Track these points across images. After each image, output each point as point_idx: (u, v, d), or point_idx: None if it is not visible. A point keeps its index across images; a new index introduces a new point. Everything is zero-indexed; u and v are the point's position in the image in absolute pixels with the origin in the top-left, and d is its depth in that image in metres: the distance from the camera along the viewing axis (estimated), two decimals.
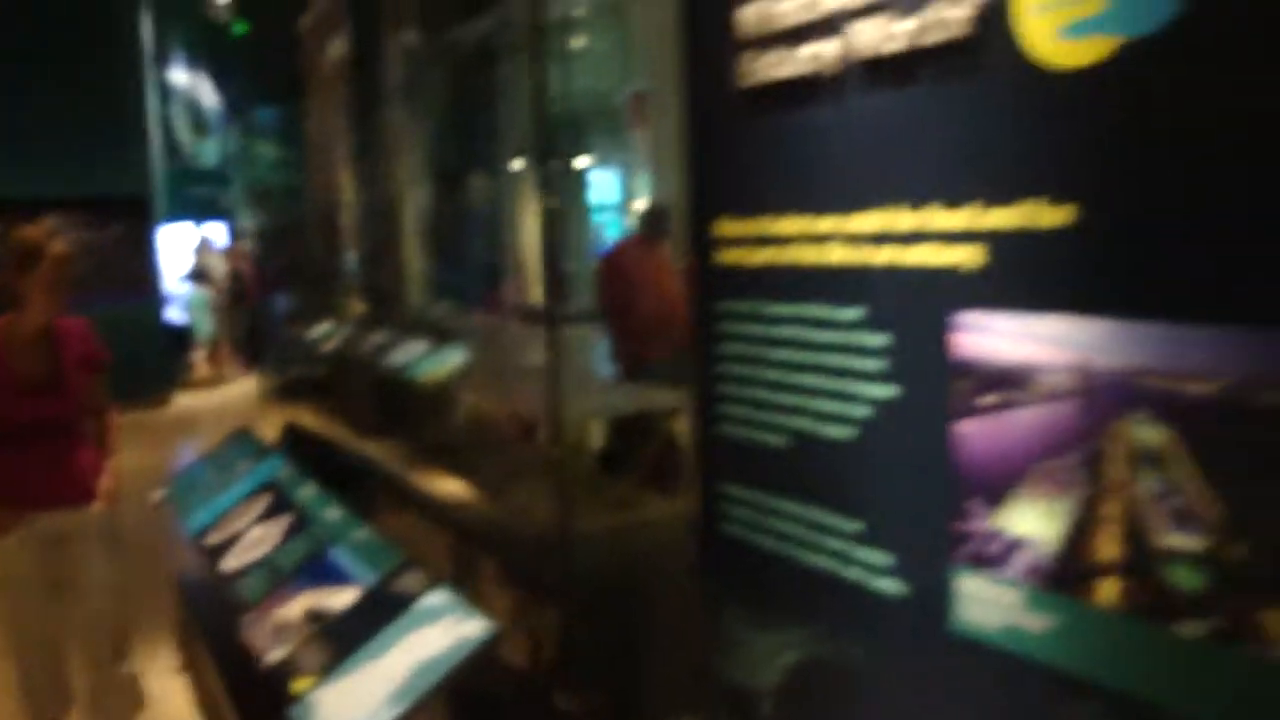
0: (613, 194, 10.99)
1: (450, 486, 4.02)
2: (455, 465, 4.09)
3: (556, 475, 2.63)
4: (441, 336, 5.03)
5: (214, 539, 3.96)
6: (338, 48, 7.30)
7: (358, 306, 7.30)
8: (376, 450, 4.87)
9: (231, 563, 3.68)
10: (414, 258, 7.00)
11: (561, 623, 2.65)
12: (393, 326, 5.74)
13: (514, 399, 3.79)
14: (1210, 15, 1.26)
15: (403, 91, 6.75)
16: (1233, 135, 1.25)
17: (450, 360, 4.80)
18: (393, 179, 6.97)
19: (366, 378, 5.44)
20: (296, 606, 3.15)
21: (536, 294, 6.37)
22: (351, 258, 7.67)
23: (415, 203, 6.98)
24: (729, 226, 2.03)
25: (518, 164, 8.79)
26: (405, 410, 4.92)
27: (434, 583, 2.80)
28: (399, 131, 6.86)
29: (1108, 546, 1.42)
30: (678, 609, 2.34)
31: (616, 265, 5.97)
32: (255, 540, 3.76)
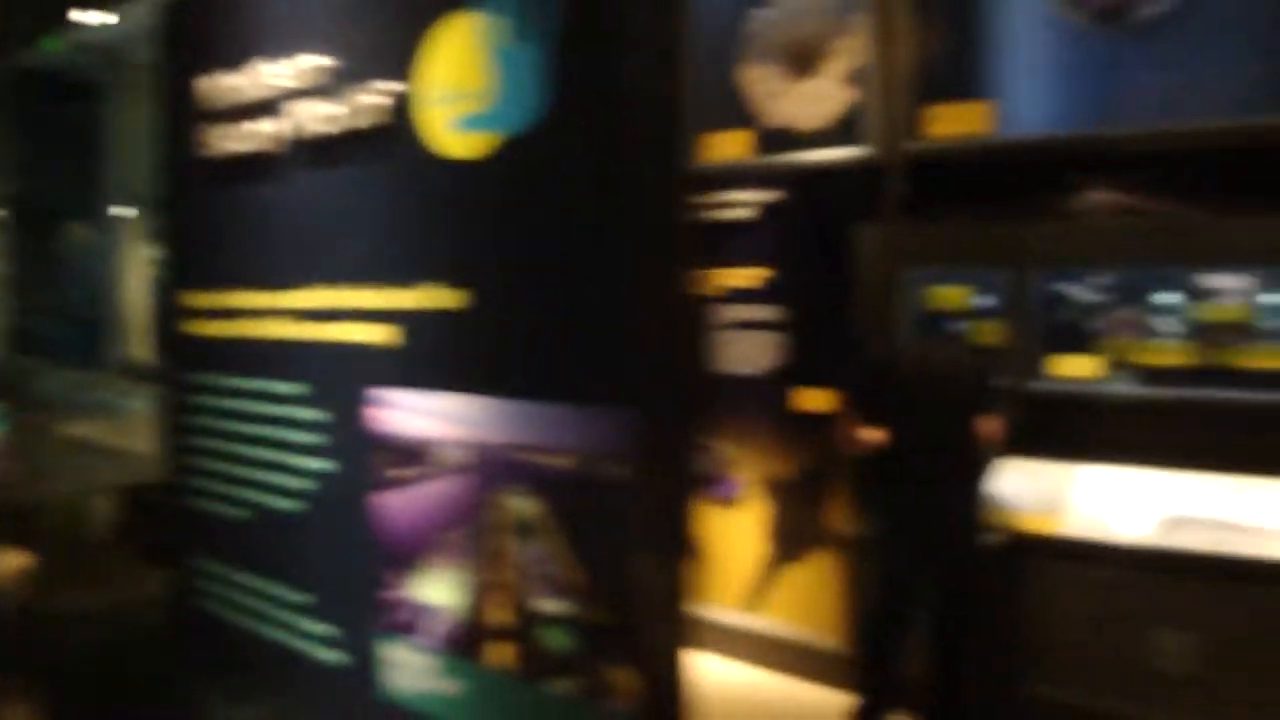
0: None
1: None
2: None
3: (43, 550, 2.44)
4: (17, 398, 4.55)
5: None
6: None
7: None
8: None
9: None
10: None
11: (42, 704, 2.45)
12: None
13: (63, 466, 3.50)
14: (570, 118, 1.39)
15: None
16: (586, 232, 1.37)
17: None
18: None
19: None
20: None
21: (141, 348, 5.93)
22: None
23: None
24: (192, 297, 1.99)
25: (123, 210, 8.19)
26: None
27: None
28: None
29: (498, 612, 1.51)
30: (165, 684, 2.23)
31: None
32: None
